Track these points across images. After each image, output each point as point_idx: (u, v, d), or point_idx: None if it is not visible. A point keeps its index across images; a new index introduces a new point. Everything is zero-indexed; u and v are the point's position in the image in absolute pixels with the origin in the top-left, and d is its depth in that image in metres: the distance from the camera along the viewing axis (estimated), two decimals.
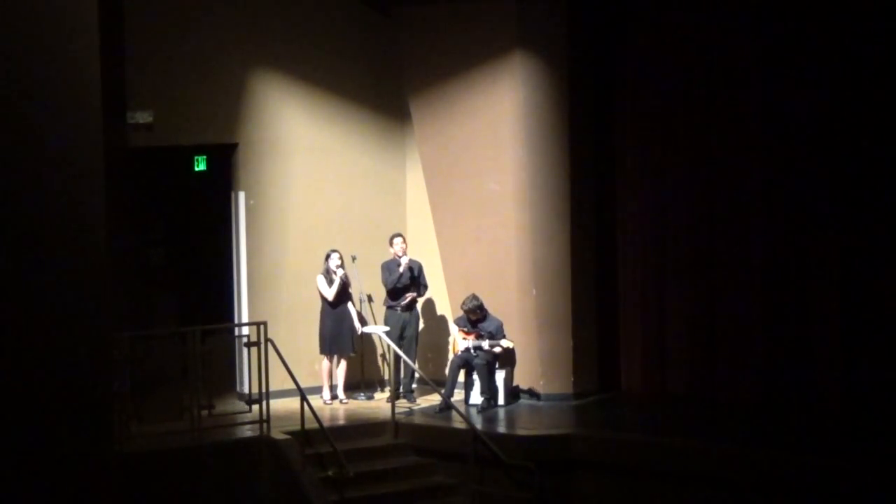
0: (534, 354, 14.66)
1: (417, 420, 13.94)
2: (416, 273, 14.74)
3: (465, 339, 14.36)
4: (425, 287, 14.93)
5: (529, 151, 14.63)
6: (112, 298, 10.66)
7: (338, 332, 14.49)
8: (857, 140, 13.27)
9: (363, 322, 14.80)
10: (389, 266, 14.73)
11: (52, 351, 9.80)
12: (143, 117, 14.19)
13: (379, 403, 14.66)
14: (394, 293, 14.69)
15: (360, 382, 15.06)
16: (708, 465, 11.90)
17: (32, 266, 9.75)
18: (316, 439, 12.79)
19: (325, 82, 15.29)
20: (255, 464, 12.63)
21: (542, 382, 14.67)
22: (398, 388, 14.45)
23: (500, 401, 14.41)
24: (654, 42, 14.75)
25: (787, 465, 11.49)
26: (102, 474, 10.12)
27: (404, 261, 14.63)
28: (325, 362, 14.58)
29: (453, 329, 14.70)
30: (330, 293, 14.40)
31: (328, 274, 14.46)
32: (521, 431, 13.26)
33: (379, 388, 15.45)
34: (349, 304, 14.61)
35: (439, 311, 15.66)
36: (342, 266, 14.49)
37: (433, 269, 15.31)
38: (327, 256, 14.49)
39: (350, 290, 14.64)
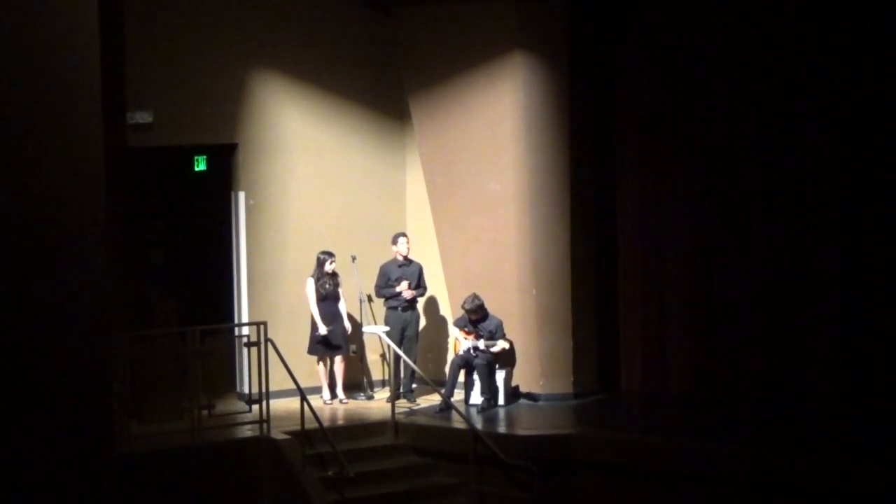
0: (534, 354, 14.66)
1: (417, 420, 13.93)
2: (415, 275, 14.74)
3: (465, 338, 14.36)
4: (424, 289, 14.94)
5: (529, 151, 14.63)
6: (112, 298, 10.64)
7: (330, 332, 14.42)
8: (859, 138, 13.28)
9: (353, 322, 14.79)
10: (388, 271, 14.71)
11: (52, 351, 9.78)
12: (143, 117, 14.19)
13: (379, 403, 14.65)
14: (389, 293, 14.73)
15: (360, 382, 15.07)
16: (708, 465, 11.90)
17: (32, 266, 9.73)
18: (316, 439, 12.79)
19: (325, 82, 15.29)
20: (255, 464, 12.63)
21: (541, 382, 14.67)
22: (398, 388, 14.45)
23: (500, 401, 14.41)
24: (654, 42, 14.75)
25: (787, 465, 11.50)
26: (102, 474, 10.10)
27: (404, 285, 14.58)
28: (320, 364, 14.55)
29: (454, 329, 14.70)
30: (315, 310, 14.27)
31: (319, 280, 14.36)
32: (521, 431, 13.26)
33: (379, 388, 15.45)
34: (340, 304, 14.56)
35: (439, 311, 15.66)
36: (337, 275, 14.42)
37: (433, 269, 15.31)
38: (322, 262, 14.42)
39: (340, 291, 14.53)
